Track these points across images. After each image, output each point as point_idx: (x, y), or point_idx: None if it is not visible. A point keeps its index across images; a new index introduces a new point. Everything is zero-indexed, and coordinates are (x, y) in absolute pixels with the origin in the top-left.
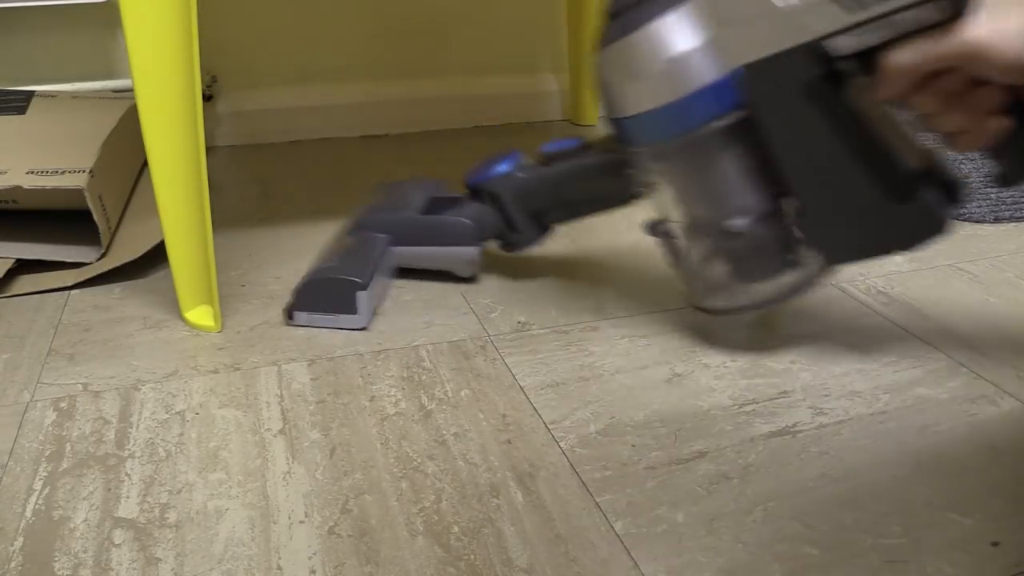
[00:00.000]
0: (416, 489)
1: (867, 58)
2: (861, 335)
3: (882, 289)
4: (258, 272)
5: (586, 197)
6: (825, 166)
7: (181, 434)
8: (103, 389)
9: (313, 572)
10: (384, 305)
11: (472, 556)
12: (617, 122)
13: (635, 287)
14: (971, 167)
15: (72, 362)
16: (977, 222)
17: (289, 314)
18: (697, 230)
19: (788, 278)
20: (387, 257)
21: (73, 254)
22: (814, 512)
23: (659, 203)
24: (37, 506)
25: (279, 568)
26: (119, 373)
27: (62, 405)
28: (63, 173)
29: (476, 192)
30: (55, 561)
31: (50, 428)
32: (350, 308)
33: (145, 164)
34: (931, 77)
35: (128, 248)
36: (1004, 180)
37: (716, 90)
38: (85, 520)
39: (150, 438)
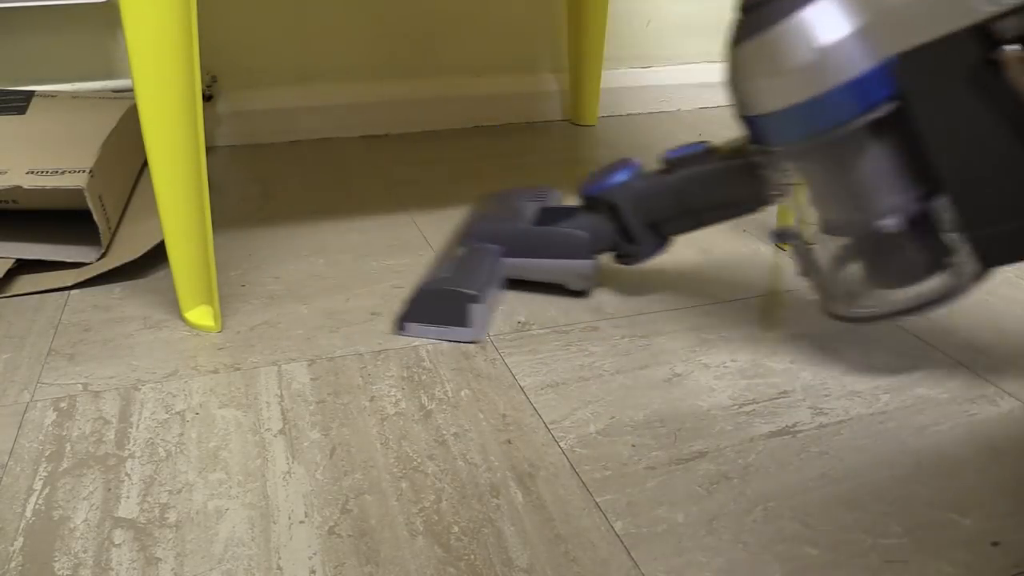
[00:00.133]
0: (416, 489)
1: None
2: (861, 335)
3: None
4: (258, 272)
5: (712, 204)
6: (988, 158)
7: (181, 434)
8: (103, 389)
9: (313, 572)
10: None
11: (472, 556)
12: (752, 121)
13: (635, 287)
14: None
15: (72, 362)
16: None
17: (400, 325)
18: (835, 233)
19: (935, 283)
20: (499, 269)
21: (73, 254)
22: (814, 512)
23: (793, 206)
24: (37, 506)
25: (279, 568)
26: (119, 373)
27: (62, 405)
28: (63, 173)
29: (592, 202)
30: (55, 561)
31: (50, 428)
32: (463, 321)
33: (145, 164)
34: None
35: (128, 248)
36: None
37: (866, 82)
38: (85, 520)
39: (150, 438)
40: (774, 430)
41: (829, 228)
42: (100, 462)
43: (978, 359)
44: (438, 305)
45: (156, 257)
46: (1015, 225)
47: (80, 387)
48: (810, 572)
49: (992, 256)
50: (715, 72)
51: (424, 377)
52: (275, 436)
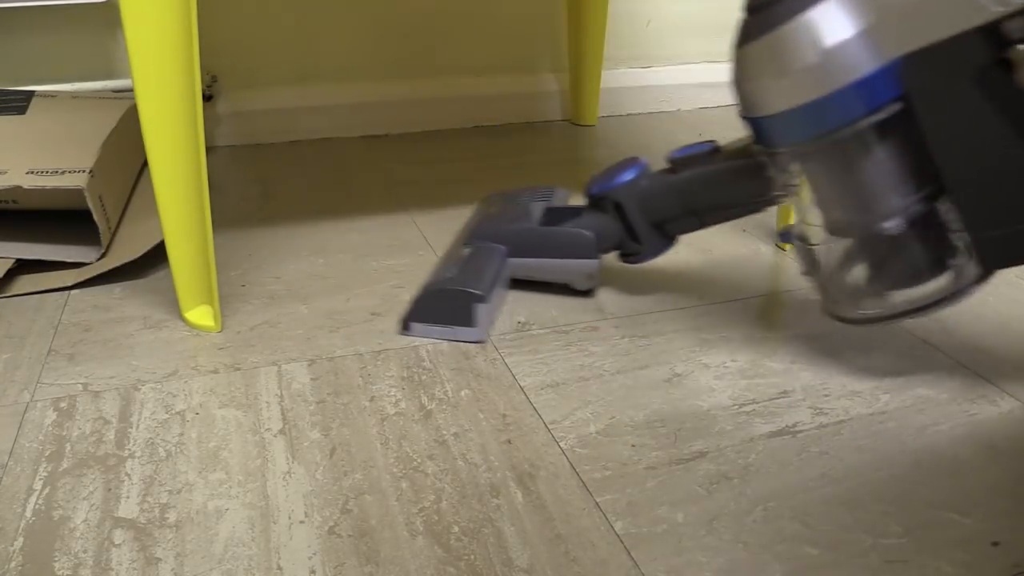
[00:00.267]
0: (416, 489)
1: None
2: (861, 335)
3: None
4: (258, 272)
5: (716, 204)
6: (993, 161)
7: (181, 434)
8: (103, 389)
9: (313, 572)
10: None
11: (472, 556)
12: (757, 122)
13: (635, 287)
14: None
15: (72, 362)
16: None
17: (405, 324)
18: (838, 234)
19: (936, 285)
20: (504, 268)
21: (73, 254)
22: (814, 512)
23: (796, 207)
24: (37, 506)
25: (279, 568)
26: (119, 373)
27: (62, 405)
28: (63, 173)
29: (597, 202)
30: (55, 561)
31: (50, 428)
32: (468, 321)
33: (145, 164)
34: None
35: (128, 248)
36: None
37: (872, 82)
38: (85, 520)
39: (150, 438)
40: (774, 430)
41: (833, 229)
42: (100, 462)
43: (978, 359)
44: (444, 305)
45: (156, 257)
46: (1019, 228)
47: (80, 387)
48: (810, 572)
49: (995, 259)
50: (715, 72)
51: (424, 377)
52: (275, 436)
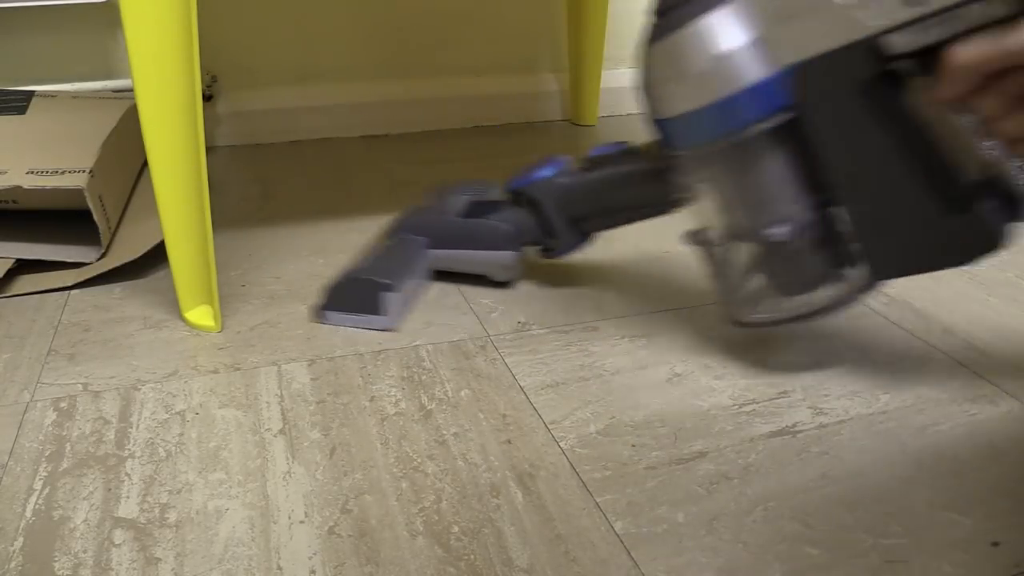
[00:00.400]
0: (416, 489)
1: (926, 57)
2: (861, 335)
3: (882, 289)
4: (258, 272)
5: (626, 204)
6: (877, 173)
7: (181, 434)
8: (103, 389)
9: (313, 572)
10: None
11: (472, 556)
12: (660, 124)
13: (635, 287)
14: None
15: (72, 362)
16: None
17: (319, 313)
18: (738, 239)
19: (829, 292)
20: (422, 259)
21: (73, 254)
22: (814, 512)
23: (700, 211)
24: (37, 506)
25: (279, 568)
26: (119, 373)
27: (62, 405)
28: (63, 173)
29: (518, 196)
30: (55, 561)
31: (50, 428)
32: (376, 309)
33: (145, 164)
34: (995, 77)
35: (128, 248)
36: None
37: (763, 90)
38: (85, 520)
39: (150, 438)
40: (774, 430)
41: (732, 234)
42: (100, 462)
43: (978, 359)
44: (353, 294)
45: (156, 257)
46: (903, 239)
47: (80, 387)
48: (810, 572)
49: (882, 268)
50: None
51: (424, 377)
52: (275, 436)
